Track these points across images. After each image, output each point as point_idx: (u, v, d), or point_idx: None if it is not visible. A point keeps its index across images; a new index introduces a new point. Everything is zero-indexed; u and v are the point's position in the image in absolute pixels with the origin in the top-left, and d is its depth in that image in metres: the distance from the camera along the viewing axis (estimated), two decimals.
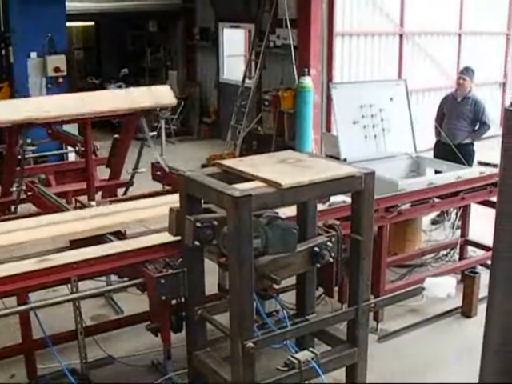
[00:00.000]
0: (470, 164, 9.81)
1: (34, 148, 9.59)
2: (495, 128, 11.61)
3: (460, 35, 16.78)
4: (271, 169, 4.70)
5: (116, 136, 8.79)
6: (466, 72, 10.39)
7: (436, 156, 10.25)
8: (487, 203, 7.73)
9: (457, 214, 8.71)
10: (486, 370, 4.00)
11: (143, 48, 20.00)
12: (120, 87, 18.17)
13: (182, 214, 4.74)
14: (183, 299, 5.12)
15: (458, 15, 16.59)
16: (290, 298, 5.82)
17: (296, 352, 4.87)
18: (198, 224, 4.50)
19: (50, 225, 5.63)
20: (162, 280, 4.89)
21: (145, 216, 5.91)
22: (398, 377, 6.21)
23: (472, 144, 10.33)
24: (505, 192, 3.59)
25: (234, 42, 17.63)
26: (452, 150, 9.79)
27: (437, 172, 9.48)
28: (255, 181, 4.59)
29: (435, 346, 6.89)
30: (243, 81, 15.83)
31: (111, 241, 5.47)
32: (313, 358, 4.65)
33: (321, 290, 5.78)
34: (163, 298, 4.96)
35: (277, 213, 4.75)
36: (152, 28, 19.29)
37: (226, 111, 16.72)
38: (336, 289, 5.86)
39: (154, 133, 9.07)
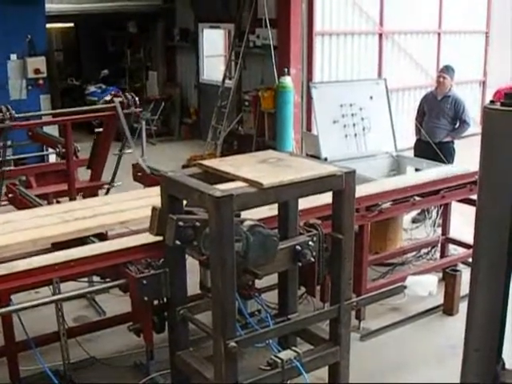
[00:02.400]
0: (450, 162, 9.85)
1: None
2: (475, 126, 11.68)
3: (439, 34, 16.87)
4: (252, 169, 4.71)
5: (96, 137, 8.77)
6: (446, 70, 10.42)
7: (416, 154, 10.28)
8: (468, 201, 7.76)
9: (437, 212, 8.74)
10: (467, 367, 4.01)
11: (123, 49, 19.98)
12: (100, 88, 18.19)
13: (164, 215, 4.74)
14: (165, 299, 5.12)
15: (437, 14, 16.67)
16: (272, 297, 5.83)
17: (279, 351, 4.87)
18: (181, 223, 4.50)
19: (31, 228, 5.62)
20: (143, 281, 4.88)
21: (127, 218, 5.90)
22: (380, 375, 6.24)
23: (452, 142, 10.37)
24: (484, 190, 3.61)
25: (213, 42, 17.64)
26: (432, 149, 9.83)
27: (417, 170, 9.52)
28: (236, 181, 4.60)
29: (417, 344, 6.92)
30: (223, 81, 15.84)
31: (93, 242, 5.46)
32: (295, 357, 4.64)
33: (303, 289, 5.79)
34: (145, 298, 4.94)
35: (258, 221, 4.75)
36: (132, 29, 19.28)
37: (207, 111, 16.72)
38: (318, 288, 5.88)
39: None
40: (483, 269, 3.72)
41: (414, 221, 9.94)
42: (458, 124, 10.31)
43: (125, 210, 6.06)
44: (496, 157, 3.47)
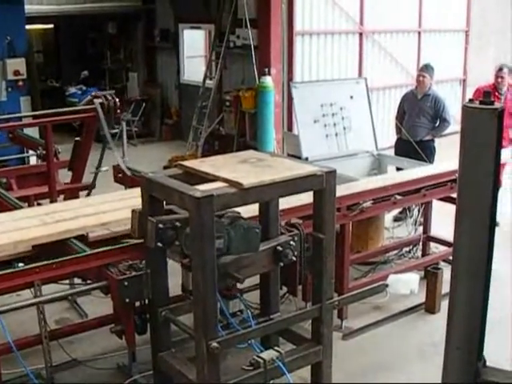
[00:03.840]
0: (431, 161, 9.89)
1: None
2: (455, 124, 11.71)
3: (420, 33, 16.91)
4: (233, 169, 4.71)
5: (77, 139, 8.74)
6: (425, 69, 10.46)
7: (397, 153, 10.31)
8: (448, 199, 7.79)
9: (419, 210, 8.78)
10: (448, 365, 4.03)
11: (103, 50, 19.91)
12: (80, 89, 18.12)
13: (144, 216, 4.74)
14: (147, 301, 5.12)
15: (417, 13, 16.71)
16: (254, 297, 5.84)
17: (261, 351, 4.88)
18: (161, 225, 4.50)
19: (12, 231, 5.59)
20: (125, 282, 4.88)
21: (108, 219, 5.88)
22: (362, 374, 6.25)
23: (433, 141, 10.42)
24: (464, 188, 3.62)
25: (194, 42, 17.63)
26: (413, 147, 9.86)
27: (398, 169, 9.55)
28: (217, 181, 4.61)
29: (399, 342, 6.94)
30: (204, 81, 15.82)
31: (75, 245, 5.44)
32: (278, 357, 4.65)
33: (285, 289, 5.80)
34: (127, 300, 4.94)
35: (239, 213, 4.76)
36: (111, 30, 19.21)
37: (188, 112, 16.70)
38: (300, 287, 5.89)
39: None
40: (463, 267, 3.73)
41: (395, 219, 9.98)
42: (438, 122, 10.36)
43: (106, 212, 6.04)
44: (475, 155, 3.49)
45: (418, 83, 10.47)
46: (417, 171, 8.09)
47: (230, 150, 12.75)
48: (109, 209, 6.13)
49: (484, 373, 3.83)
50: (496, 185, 3.53)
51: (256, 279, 5.55)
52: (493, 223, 3.55)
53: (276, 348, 4.81)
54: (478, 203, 3.52)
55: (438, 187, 7.70)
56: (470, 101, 3.53)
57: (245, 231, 4.54)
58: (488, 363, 3.86)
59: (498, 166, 3.49)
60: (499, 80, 10.09)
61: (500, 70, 10.16)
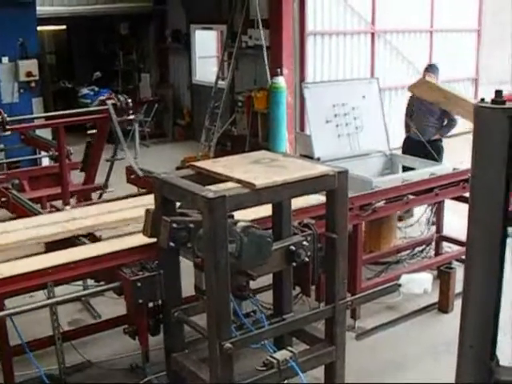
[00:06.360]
0: (439, 160, 9.88)
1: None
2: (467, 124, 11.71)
3: (432, 32, 16.86)
4: (245, 169, 4.72)
5: (89, 140, 8.76)
6: (430, 69, 10.49)
7: (404, 152, 10.31)
8: (461, 199, 7.77)
9: (431, 210, 8.75)
10: (462, 364, 4.02)
11: (115, 51, 19.94)
12: (93, 90, 18.16)
13: (157, 216, 4.75)
14: (160, 301, 5.12)
15: (429, 13, 16.67)
16: (267, 298, 5.84)
17: (274, 352, 4.87)
18: (174, 225, 4.51)
19: (24, 229, 5.61)
20: (138, 283, 4.89)
21: (121, 218, 5.90)
22: (376, 374, 6.24)
23: (440, 140, 10.43)
24: (476, 188, 3.62)
25: (206, 43, 17.63)
26: (421, 147, 9.87)
27: (408, 169, 9.51)
28: (229, 182, 4.61)
29: (413, 342, 6.93)
30: (216, 82, 15.82)
31: (86, 244, 5.46)
32: (291, 358, 4.65)
33: (298, 289, 5.80)
34: (140, 301, 4.95)
35: (252, 221, 4.75)
36: (123, 31, 19.23)
37: (200, 113, 16.73)
38: (313, 288, 5.88)
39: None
40: (476, 266, 3.72)
41: (399, 218, 9.90)
42: (445, 122, 10.36)
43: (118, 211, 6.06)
44: (487, 155, 3.48)
45: None
46: (429, 171, 8.07)
47: (242, 151, 12.72)
48: (122, 208, 6.17)
49: (497, 372, 3.83)
50: (508, 184, 3.52)
51: (269, 279, 5.55)
52: (506, 222, 3.54)
53: (289, 348, 4.80)
54: (491, 202, 3.51)
55: (450, 187, 7.68)
56: (482, 100, 3.53)
57: (257, 238, 4.52)
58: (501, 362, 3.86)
59: (510, 165, 3.48)
60: None
61: None
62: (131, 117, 8.20)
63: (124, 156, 8.15)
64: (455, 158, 9.67)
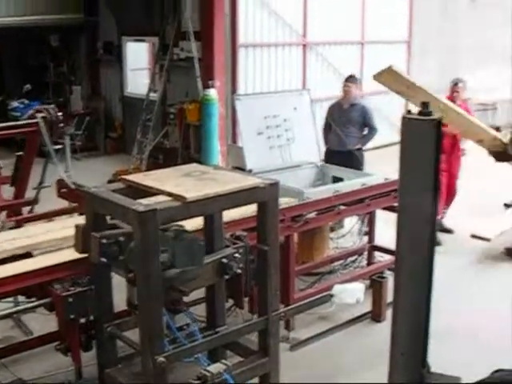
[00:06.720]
0: (361, 169, 10.01)
1: None
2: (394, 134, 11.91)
3: (362, 44, 17.11)
4: (176, 182, 4.71)
5: (19, 153, 8.63)
6: (350, 80, 10.66)
7: (327, 163, 10.41)
8: (392, 208, 7.85)
9: (362, 220, 8.83)
10: (394, 371, 4.07)
11: (46, 63, 19.68)
12: (23, 103, 17.91)
13: (88, 231, 4.70)
14: (92, 317, 5.07)
15: (360, 24, 16.90)
16: (200, 310, 5.82)
17: (208, 365, 4.87)
18: (104, 241, 4.47)
19: None
20: (69, 299, 4.85)
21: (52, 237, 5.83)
22: None
23: (361, 149, 10.57)
24: (404, 197, 3.68)
25: (138, 55, 17.55)
26: (342, 157, 10.02)
27: (339, 179, 9.55)
28: (161, 195, 4.60)
29: (347, 351, 6.97)
30: (148, 94, 15.76)
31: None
32: (225, 370, 4.64)
33: (231, 301, 5.79)
34: (71, 316, 4.90)
35: (183, 226, 4.76)
36: (54, 43, 18.97)
37: (132, 125, 16.61)
38: (246, 299, 5.89)
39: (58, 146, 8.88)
40: (405, 274, 3.79)
41: (331, 229, 9.94)
42: (366, 131, 10.52)
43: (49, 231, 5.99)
44: (415, 164, 3.55)
45: (344, 94, 10.62)
46: (360, 181, 8.14)
47: (174, 163, 12.65)
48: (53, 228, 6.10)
49: (428, 378, 3.89)
50: (436, 193, 3.59)
51: (202, 292, 5.54)
52: (433, 231, 3.60)
53: (223, 361, 4.80)
54: (418, 211, 3.57)
55: (381, 197, 7.76)
56: (409, 112, 3.60)
57: (189, 245, 4.53)
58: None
59: (437, 175, 3.55)
60: (455, 94, 10.25)
61: (455, 84, 10.34)
62: (61, 125, 8.12)
63: (50, 184, 8.06)
64: (372, 169, 9.84)
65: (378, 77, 6.53)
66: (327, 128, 10.67)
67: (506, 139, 7.12)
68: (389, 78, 6.65)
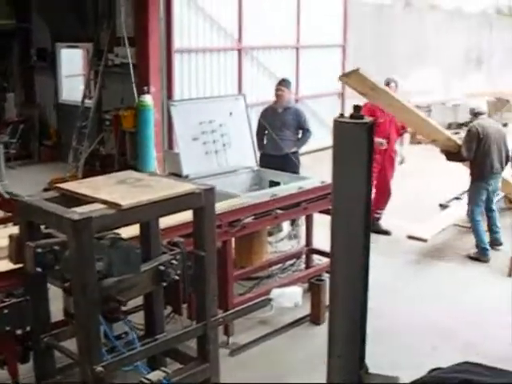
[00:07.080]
0: (297, 172, 10.05)
1: None
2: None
3: (298, 48, 17.20)
4: (111, 190, 4.69)
5: None
6: (283, 83, 10.70)
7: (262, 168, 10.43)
8: (328, 212, 7.88)
9: (291, 224, 8.87)
10: (332, 373, 4.11)
11: None
12: None
13: (22, 241, 4.64)
14: (28, 328, 5.01)
15: (295, 29, 16.99)
16: (139, 318, 5.79)
17: (148, 373, 4.85)
18: (39, 250, 4.42)
19: None
20: (4, 310, 4.78)
21: None
22: None
23: (297, 152, 10.61)
24: (337, 200, 3.71)
25: (72, 61, 17.38)
26: (278, 161, 10.04)
27: (276, 184, 9.56)
28: (95, 203, 4.57)
29: (287, 355, 6.99)
30: (83, 101, 15.62)
31: None
32: (164, 378, 4.65)
33: (170, 308, 5.78)
34: (7, 328, 4.84)
35: (119, 234, 4.73)
36: None
37: (67, 132, 16.40)
38: (185, 306, 5.87)
39: None
40: (341, 277, 3.83)
41: (269, 233, 9.94)
42: (301, 134, 10.58)
43: None
44: (346, 167, 3.58)
45: (277, 98, 10.65)
46: (297, 185, 8.17)
47: (110, 170, 12.50)
48: None
49: (366, 378, 3.93)
50: (369, 195, 3.63)
51: (140, 300, 5.51)
52: (367, 233, 3.64)
53: (163, 368, 4.81)
54: (351, 214, 3.61)
55: (318, 200, 7.81)
56: (341, 115, 3.63)
57: (125, 252, 4.52)
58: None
59: (370, 177, 3.59)
60: None
61: (387, 84, 10.37)
62: None
63: None
64: (309, 172, 9.88)
65: (344, 78, 6.61)
66: (261, 132, 10.69)
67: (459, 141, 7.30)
68: (355, 79, 6.72)
